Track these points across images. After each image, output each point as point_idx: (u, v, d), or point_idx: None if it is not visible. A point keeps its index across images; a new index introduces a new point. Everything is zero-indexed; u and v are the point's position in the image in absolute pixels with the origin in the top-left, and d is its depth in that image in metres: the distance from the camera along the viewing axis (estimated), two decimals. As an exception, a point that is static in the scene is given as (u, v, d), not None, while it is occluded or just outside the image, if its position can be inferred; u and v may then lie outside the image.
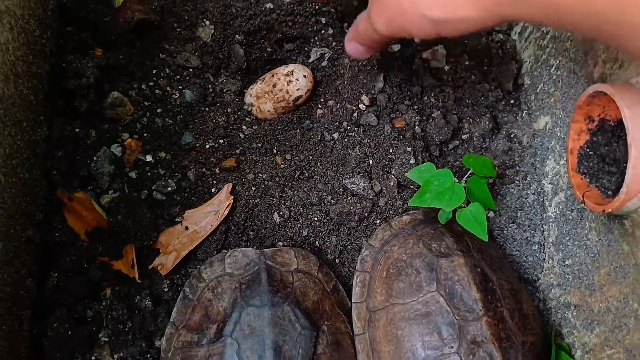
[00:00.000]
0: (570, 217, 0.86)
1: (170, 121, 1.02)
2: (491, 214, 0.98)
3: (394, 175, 0.97)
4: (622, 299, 0.76)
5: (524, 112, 1.01)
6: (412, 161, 0.96)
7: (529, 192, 0.95)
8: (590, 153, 0.77)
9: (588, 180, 0.77)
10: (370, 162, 0.98)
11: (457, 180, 0.85)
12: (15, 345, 0.81)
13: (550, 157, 0.92)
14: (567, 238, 0.87)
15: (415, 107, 1.02)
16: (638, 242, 0.71)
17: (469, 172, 0.85)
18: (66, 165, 0.95)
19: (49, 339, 0.87)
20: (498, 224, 0.98)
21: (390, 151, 0.98)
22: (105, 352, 0.89)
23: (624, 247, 0.75)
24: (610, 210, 0.69)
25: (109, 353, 0.89)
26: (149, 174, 0.99)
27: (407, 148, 0.97)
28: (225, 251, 0.92)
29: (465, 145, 1.01)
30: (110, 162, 0.97)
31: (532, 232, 0.94)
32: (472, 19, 0.62)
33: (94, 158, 0.96)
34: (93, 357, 0.88)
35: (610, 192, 0.74)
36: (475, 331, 0.79)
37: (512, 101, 1.03)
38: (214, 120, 1.03)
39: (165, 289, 0.93)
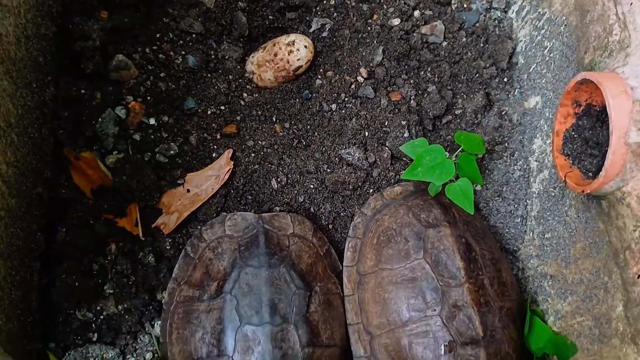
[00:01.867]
0: (553, 194, 0.92)
1: (173, 86, 1.05)
2: (478, 188, 1.03)
3: (388, 147, 1.01)
4: (594, 272, 0.82)
5: (516, 90, 1.04)
6: (406, 134, 1.00)
7: (515, 168, 1.00)
8: (575, 136, 0.81)
9: (571, 161, 0.81)
10: (366, 133, 1.02)
11: (448, 156, 0.89)
12: (27, 294, 0.86)
13: (537, 135, 0.97)
14: (548, 213, 0.92)
15: (411, 81, 1.05)
16: (612, 221, 0.76)
17: (460, 149, 0.89)
18: (72, 125, 0.99)
19: (57, 289, 0.92)
20: (484, 197, 1.03)
21: (386, 124, 1.02)
22: (110, 303, 0.94)
23: (600, 225, 0.80)
24: (589, 191, 0.74)
25: (113, 304, 0.94)
26: (152, 136, 1.02)
27: (402, 121, 1.01)
28: (225, 214, 0.97)
29: (458, 121, 1.05)
30: (114, 123, 1.00)
31: (516, 206, 0.99)
32: None
33: (99, 119, 0.99)
34: (98, 307, 0.94)
35: (590, 174, 0.78)
36: (457, 296, 0.85)
37: (505, 79, 1.06)
38: (216, 87, 1.06)
39: (168, 247, 0.97)
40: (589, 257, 0.83)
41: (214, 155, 1.03)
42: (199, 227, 0.97)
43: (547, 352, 0.89)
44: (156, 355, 0.93)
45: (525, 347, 0.90)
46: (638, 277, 0.72)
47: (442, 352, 0.84)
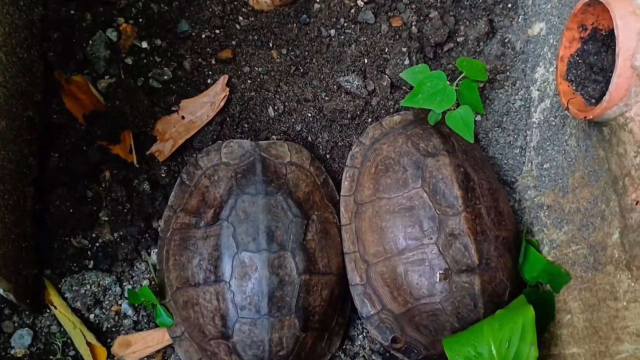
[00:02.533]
0: (553, 123, 0.91)
1: (166, 7, 1.01)
2: (478, 118, 1.02)
3: (387, 75, 0.99)
4: (592, 200, 0.82)
5: (520, 16, 1.01)
6: (407, 62, 0.98)
7: (516, 98, 0.99)
8: (580, 61, 0.79)
9: (574, 87, 0.80)
10: (365, 60, 1.00)
11: (449, 83, 0.87)
12: (20, 219, 0.86)
13: (540, 64, 0.95)
14: (547, 143, 0.92)
15: (413, 6, 1.02)
16: (613, 148, 0.75)
17: (462, 75, 0.88)
18: (62, 47, 0.96)
19: (52, 215, 0.91)
20: (484, 127, 1.02)
21: (386, 51, 0.99)
22: (106, 231, 0.94)
23: (600, 153, 0.79)
24: (592, 116, 0.73)
25: (109, 231, 0.94)
26: (145, 60, 1.00)
27: (403, 48, 0.98)
28: (221, 141, 0.95)
29: (460, 49, 1.03)
30: (105, 46, 0.98)
31: (516, 136, 0.98)
32: None
33: (90, 42, 0.97)
34: (94, 234, 0.94)
35: (593, 100, 0.77)
36: (453, 225, 0.85)
37: (509, 5, 1.03)
38: (210, 9, 1.03)
39: (163, 175, 0.96)
40: (587, 185, 0.83)
41: (209, 81, 1.00)
42: (195, 154, 0.96)
43: (541, 280, 0.91)
44: (153, 282, 0.94)
45: (519, 276, 0.91)
46: (636, 204, 0.72)
47: (437, 280, 0.85)
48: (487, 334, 0.81)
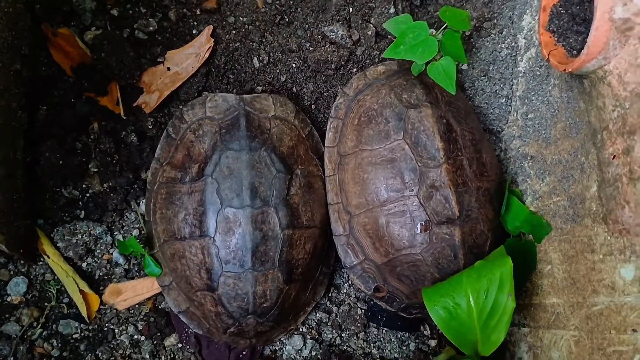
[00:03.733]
0: (538, 73, 0.89)
1: (150, -43, 1.00)
2: (464, 67, 1.00)
3: (372, 24, 0.97)
4: (572, 152, 0.81)
5: (510, -38, 0.98)
6: (392, 10, 0.96)
7: (503, 46, 0.97)
8: (562, 12, 0.77)
9: (556, 38, 0.78)
10: (350, 9, 0.98)
11: (434, 33, 0.85)
12: (12, 171, 0.88)
13: (527, 11, 0.92)
14: (532, 93, 0.90)
15: (400, -48, 0.99)
16: (593, 101, 0.74)
17: (444, 26, 0.86)
18: (48, -1, 0.95)
19: (42, 167, 0.93)
20: (470, 76, 1.00)
21: (371, -1, 0.97)
22: (95, 181, 0.96)
23: (581, 105, 0.78)
24: (571, 69, 0.72)
25: (98, 182, 0.96)
26: (130, 12, 0.99)
27: (388, -4, 0.96)
28: (207, 94, 0.95)
29: (447, -5, 1.00)
30: (91, -3, 0.97)
31: (502, 85, 0.97)
32: None
33: (75, -7, 0.96)
34: (84, 185, 0.96)
35: (575, 52, 0.75)
36: (434, 177, 0.86)
37: (499, -50, 1.00)
38: (195, -42, 1.01)
39: (150, 126, 0.97)
40: (568, 137, 0.82)
41: (194, 32, 1.00)
42: (180, 107, 0.97)
43: (523, 230, 0.91)
44: (142, 231, 0.96)
45: (502, 227, 0.92)
46: (613, 158, 0.71)
47: (418, 231, 0.86)
48: (466, 284, 0.82)
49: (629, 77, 0.67)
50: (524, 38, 0.93)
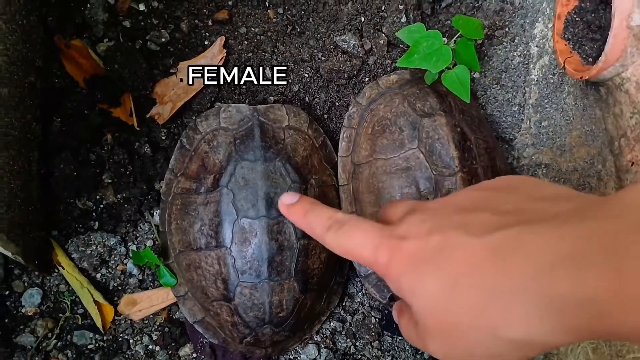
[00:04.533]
0: (552, 81, 0.89)
1: (162, -31, 1.00)
2: (476, 75, 1.01)
3: (384, 33, 0.97)
4: (588, 160, 0.81)
5: (521, -29, 0.99)
6: (404, 19, 0.96)
7: (515, 54, 0.97)
8: (577, 19, 0.78)
9: (571, 46, 0.78)
10: (362, 19, 0.98)
11: (446, 41, 0.86)
12: (26, 184, 0.88)
13: (539, 19, 0.93)
14: (546, 101, 0.91)
15: (411, -38, 1.00)
16: (610, 108, 0.74)
17: (458, 34, 0.86)
18: (61, 11, 0.96)
19: (56, 179, 0.93)
20: (482, 84, 1.00)
21: (383, 8, 0.98)
22: (109, 192, 0.96)
23: (597, 113, 0.78)
24: (587, 77, 0.72)
25: (112, 193, 0.96)
26: (143, 23, 0.99)
27: (400, 6, 0.96)
28: (220, 105, 0.96)
29: (458, 4, 1.00)
30: (103, 9, 0.97)
31: (514, 93, 0.97)
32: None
33: (88, 5, 0.96)
34: (98, 196, 0.96)
35: (590, 60, 0.76)
36: (450, 185, 0.86)
37: (509, -41, 1.00)
38: (206, -31, 1.01)
39: (163, 137, 0.98)
40: (584, 145, 0.82)
41: (206, 43, 1.00)
42: (194, 118, 0.97)
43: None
44: (156, 242, 0.96)
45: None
46: (632, 165, 0.72)
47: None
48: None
49: (647, 84, 0.67)
50: (537, 46, 0.93)
